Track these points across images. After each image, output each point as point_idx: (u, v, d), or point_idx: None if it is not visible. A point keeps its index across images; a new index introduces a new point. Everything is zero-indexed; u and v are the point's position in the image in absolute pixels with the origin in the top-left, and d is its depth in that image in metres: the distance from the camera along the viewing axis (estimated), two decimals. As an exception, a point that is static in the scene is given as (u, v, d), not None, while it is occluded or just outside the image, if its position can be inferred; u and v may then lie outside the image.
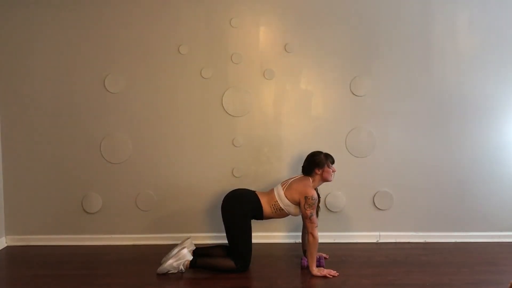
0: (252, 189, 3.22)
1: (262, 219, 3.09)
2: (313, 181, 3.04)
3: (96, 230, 3.61)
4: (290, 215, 3.09)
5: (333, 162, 3.09)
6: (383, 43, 3.58)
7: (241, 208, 2.98)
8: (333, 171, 3.07)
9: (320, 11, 3.55)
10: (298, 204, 2.98)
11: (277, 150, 3.62)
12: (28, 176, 3.57)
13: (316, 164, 3.04)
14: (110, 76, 3.53)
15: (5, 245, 3.58)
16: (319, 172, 3.04)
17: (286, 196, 2.99)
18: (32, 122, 3.54)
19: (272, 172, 3.61)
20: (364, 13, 3.56)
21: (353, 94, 3.60)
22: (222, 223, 3.03)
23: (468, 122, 3.63)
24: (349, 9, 3.55)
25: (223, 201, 3.06)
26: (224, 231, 3.04)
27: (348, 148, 3.62)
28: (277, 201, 3.01)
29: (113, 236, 3.61)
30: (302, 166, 3.12)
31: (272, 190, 3.09)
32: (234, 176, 3.60)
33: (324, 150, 3.59)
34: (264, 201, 3.03)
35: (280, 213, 3.05)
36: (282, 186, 3.05)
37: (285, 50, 3.56)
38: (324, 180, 3.07)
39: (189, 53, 3.53)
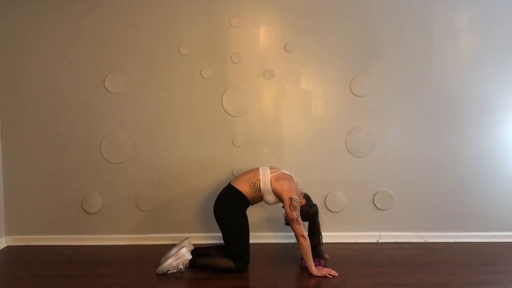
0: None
1: (251, 204, 3.05)
2: (296, 190, 2.99)
3: (96, 230, 3.61)
4: (262, 202, 3.06)
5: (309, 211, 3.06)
6: (383, 43, 3.58)
7: (226, 208, 2.98)
8: (289, 214, 2.94)
9: (320, 11, 3.55)
10: (277, 196, 2.96)
11: (277, 150, 3.62)
12: (28, 176, 3.57)
13: (308, 205, 3.01)
14: (110, 76, 3.53)
15: (5, 245, 3.58)
16: (300, 203, 2.96)
17: (271, 182, 2.96)
18: (32, 122, 3.54)
19: (272, 172, 3.61)
20: (364, 13, 3.56)
21: (353, 94, 3.60)
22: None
23: (468, 122, 3.63)
24: (349, 9, 3.55)
25: (213, 208, 3.07)
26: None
27: (348, 148, 3.62)
28: (259, 180, 2.97)
29: (113, 236, 3.61)
30: (308, 195, 3.11)
31: (255, 169, 3.06)
32: (234, 176, 3.59)
33: (324, 150, 3.62)
34: (241, 184, 2.99)
35: (258, 195, 2.99)
36: (270, 170, 3.02)
37: (285, 50, 3.56)
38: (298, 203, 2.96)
39: (189, 53, 3.53)
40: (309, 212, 3.02)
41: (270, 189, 2.96)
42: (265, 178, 2.97)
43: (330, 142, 3.61)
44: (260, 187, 2.97)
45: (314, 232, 3.09)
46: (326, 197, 3.62)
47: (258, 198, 3.03)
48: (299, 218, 2.90)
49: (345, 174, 3.62)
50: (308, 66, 3.59)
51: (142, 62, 3.53)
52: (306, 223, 3.10)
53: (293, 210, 2.88)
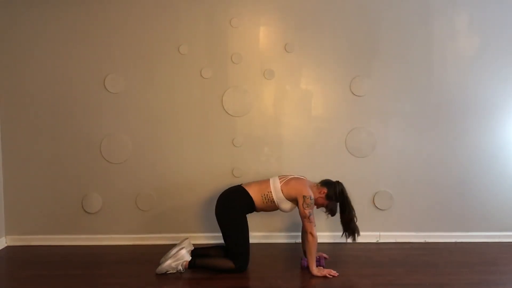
0: (240, 183, 3.18)
1: (256, 211, 3.06)
2: (310, 187, 2.99)
3: (96, 230, 3.61)
4: (278, 210, 3.05)
5: (333, 211, 3.03)
6: (383, 43, 3.58)
7: (232, 208, 2.97)
8: (324, 209, 3.03)
9: (320, 11, 3.55)
10: (292, 201, 2.96)
11: (277, 150, 3.62)
12: (28, 176, 3.57)
13: (332, 190, 2.97)
14: (110, 76, 3.53)
15: (5, 245, 3.58)
16: (321, 195, 2.97)
17: (282, 190, 2.96)
18: (32, 122, 3.54)
19: (272, 172, 3.59)
20: (364, 13, 3.56)
21: (353, 94, 3.60)
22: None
23: (468, 122, 3.63)
24: (349, 9, 3.55)
25: (216, 205, 3.06)
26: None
27: (348, 148, 3.62)
28: (270, 191, 2.97)
29: (113, 236, 3.61)
30: (325, 180, 3.07)
31: (266, 180, 3.05)
32: (234, 176, 3.59)
33: (324, 150, 3.61)
34: (253, 191, 2.99)
35: (270, 205, 3.00)
36: (279, 179, 3.02)
37: (285, 50, 3.56)
38: (315, 201, 2.97)
39: (189, 53, 3.53)
40: (337, 193, 2.97)
41: (283, 197, 2.96)
42: (276, 189, 2.98)
43: (330, 142, 3.61)
44: (272, 199, 2.97)
45: (345, 209, 2.99)
46: (326, 197, 3.62)
47: (271, 208, 3.03)
48: (311, 216, 2.90)
49: (345, 174, 3.61)
50: (308, 66, 3.59)
51: (142, 62, 3.54)
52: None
53: (306, 208, 2.89)
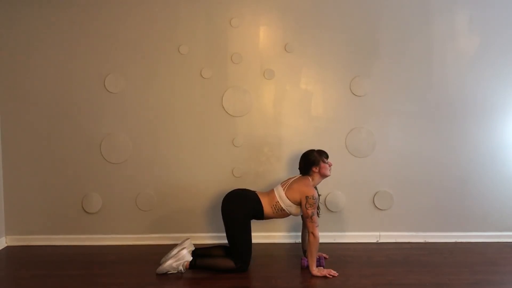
0: (252, 189, 3.22)
1: (262, 219, 3.09)
2: (312, 179, 3.05)
3: (96, 230, 3.61)
4: (291, 215, 3.09)
5: (327, 157, 3.10)
6: (383, 43, 3.58)
7: (242, 208, 2.98)
8: (330, 165, 3.09)
9: (320, 11, 3.55)
10: (299, 204, 2.98)
11: (277, 150, 3.62)
12: (28, 176, 3.57)
13: (311, 162, 3.06)
14: (110, 76, 3.53)
15: (5, 245, 3.58)
16: (316, 170, 3.05)
17: (287, 197, 2.99)
18: (32, 122, 3.54)
19: (272, 172, 3.61)
20: (364, 13, 3.56)
21: (353, 94, 3.60)
22: (222, 223, 3.04)
23: (468, 122, 3.63)
24: (349, 9, 3.56)
25: (224, 200, 3.05)
26: (224, 231, 3.04)
27: (348, 148, 3.63)
28: (278, 201, 3.01)
29: (113, 236, 3.61)
30: (299, 168, 3.13)
31: (272, 191, 3.09)
32: (234, 176, 3.60)
33: (325, 150, 3.60)
34: (264, 202, 3.03)
35: (281, 213, 3.05)
36: (282, 187, 3.04)
37: (285, 50, 3.56)
38: (323, 176, 3.08)
39: (189, 53, 3.53)
40: (313, 150, 3.11)
41: (290, 203, 2.99)
42: (281, 197, 3.01)
43: (330, 142, 3.61)
44: (281, 207, 3.01)
45: None
46: (326, 197, 3.62)
47: (284, 215, 3.08)
48: (314, 216, 2.92)
49: (345, 174, 3.62)
50: (308, 66, 3.59)
51: (142, 62, 3.54)
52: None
53: (309, 208, 2.92)
